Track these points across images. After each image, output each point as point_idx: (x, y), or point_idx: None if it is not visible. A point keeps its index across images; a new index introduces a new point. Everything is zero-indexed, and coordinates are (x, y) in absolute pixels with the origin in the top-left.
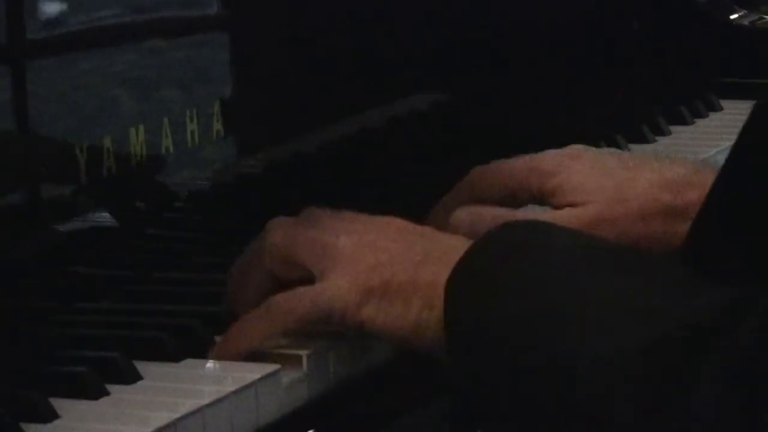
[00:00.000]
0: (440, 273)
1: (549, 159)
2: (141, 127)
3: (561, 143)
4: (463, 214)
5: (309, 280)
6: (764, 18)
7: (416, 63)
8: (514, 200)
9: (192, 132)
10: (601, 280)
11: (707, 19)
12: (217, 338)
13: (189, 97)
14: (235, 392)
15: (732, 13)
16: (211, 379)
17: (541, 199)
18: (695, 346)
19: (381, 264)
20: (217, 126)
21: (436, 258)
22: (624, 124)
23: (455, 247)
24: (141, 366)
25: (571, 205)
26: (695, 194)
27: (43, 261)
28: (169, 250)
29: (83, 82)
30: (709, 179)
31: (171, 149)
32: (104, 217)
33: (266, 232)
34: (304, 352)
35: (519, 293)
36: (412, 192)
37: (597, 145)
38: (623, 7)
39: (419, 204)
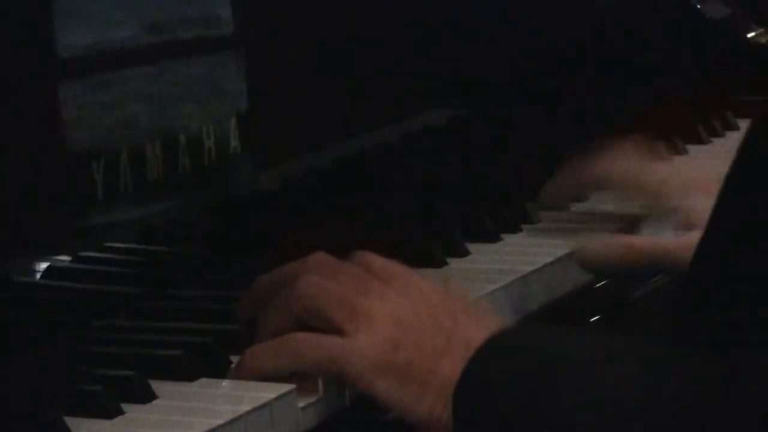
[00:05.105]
0: (456, 369)
1: (679, 181)
2: (158, 143)
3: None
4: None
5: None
6: None
7: (432, 78)
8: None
9: (209, 149)
10: (601, 373)
11: (724, 37)
12: (233, 357)
13: (205, 114)
14: (251, 412)
15: (749, 32)
16: (227, 398)
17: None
18: (701, 412)
19: (406, 342)
20: (234, 142)
21: (457, 350)
22: None
23: (474, 339)
24: (156, 385)
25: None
26: None
27: (60, 277)
28: (184, 268)
29: (102, 100)
30: None
31: (188, 166)
32: (119, 235)
33: (303, 276)
34: None
35: (524, 399)
36: (428, 207)
37: None
38: (641, 25)
39: (435, 219)
